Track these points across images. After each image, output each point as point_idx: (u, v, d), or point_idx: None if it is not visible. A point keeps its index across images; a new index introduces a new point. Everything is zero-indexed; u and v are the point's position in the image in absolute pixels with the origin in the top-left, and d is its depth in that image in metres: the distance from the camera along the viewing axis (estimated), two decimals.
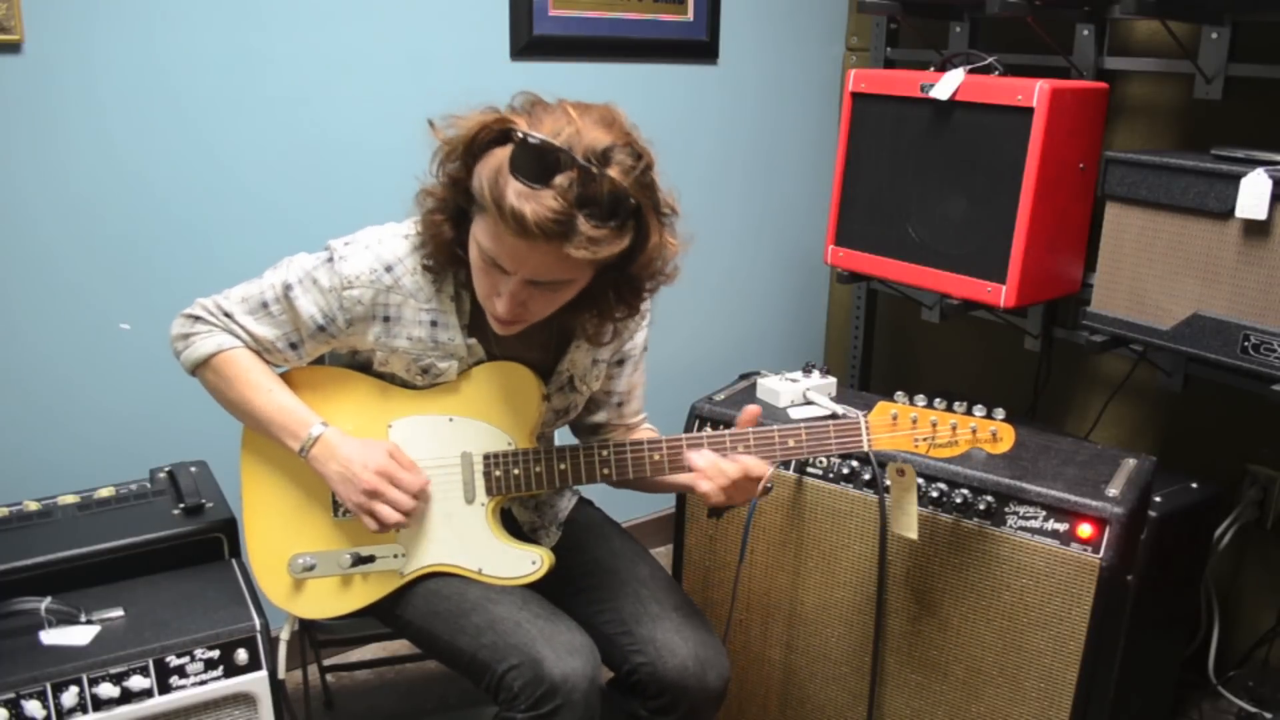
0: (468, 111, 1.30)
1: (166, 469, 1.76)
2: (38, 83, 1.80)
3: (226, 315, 1.47)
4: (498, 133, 1.25)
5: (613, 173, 1.22)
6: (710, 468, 1.40)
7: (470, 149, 1.27)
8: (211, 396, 1.51)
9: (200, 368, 1.49)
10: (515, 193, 1.20)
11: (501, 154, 1.23)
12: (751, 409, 1.47)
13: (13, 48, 1.76)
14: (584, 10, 2.38)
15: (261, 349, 1.48)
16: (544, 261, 1.25)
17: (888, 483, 1.71)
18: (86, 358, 1.95)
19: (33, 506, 1.64)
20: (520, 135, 1.21)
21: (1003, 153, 2.04)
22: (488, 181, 1.24)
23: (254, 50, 1.99)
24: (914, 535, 1.66)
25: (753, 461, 1.41)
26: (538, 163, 1.20)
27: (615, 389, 1.62)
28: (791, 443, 1.45)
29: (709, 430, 1.93)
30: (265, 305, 1.46)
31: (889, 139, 2.26)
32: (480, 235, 1.30)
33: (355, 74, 2.12)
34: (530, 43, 2.31)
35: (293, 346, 1.48)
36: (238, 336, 1.48)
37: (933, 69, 2.21)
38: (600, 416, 1.64)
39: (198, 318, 1.48)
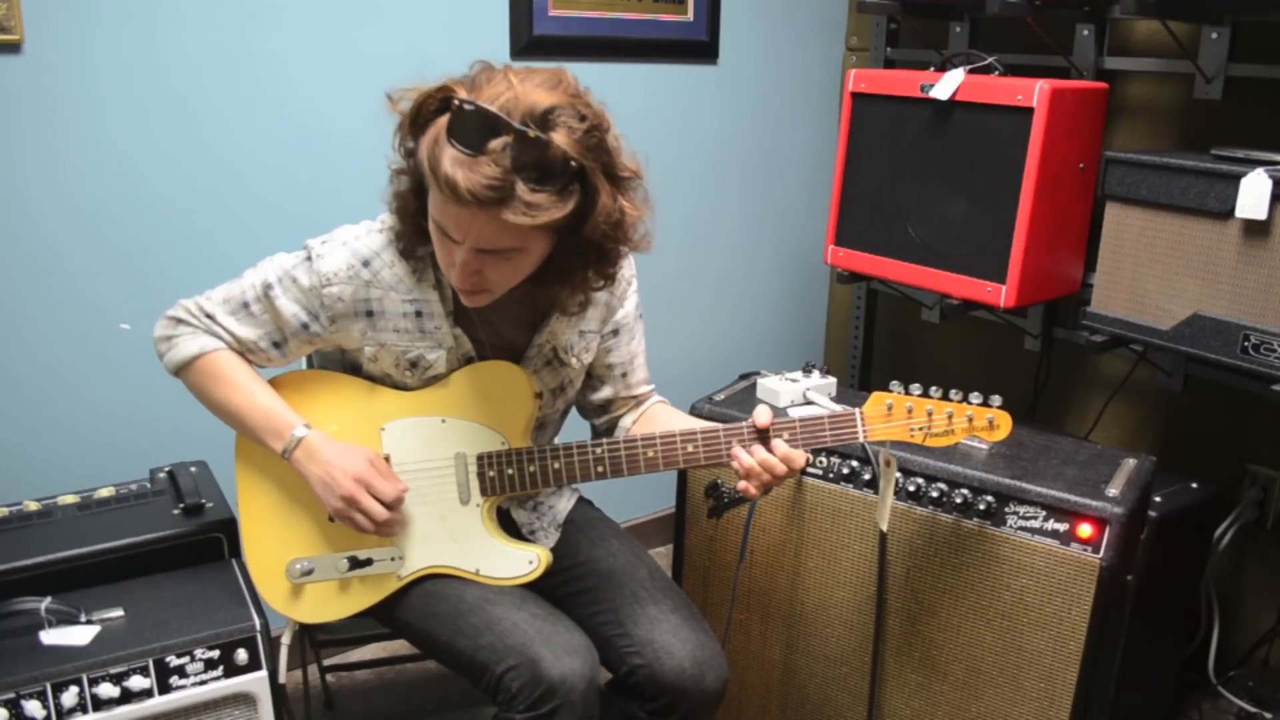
0: (420, 84, 1.29)
1: (166, 469, 1.77)
2: (38, 83, 1.80)
3: (209, 317, 1.48)
4: (440, 101, 1.25)
5: (555, 135, 1.21)
6: (751, 468, 1.41)
7: (416, 121, 1.27)
8: (195, 398, 1.51)
9: (183, 369, 1.49)
10: (450, 159, 1.20)
11: (442, 123, 1.23)
12: (763, 408, 1.47)
13: (13, 48, 1.76)
14: (584, 10, 2.38)
15: (244, 349, 1.49)
16: (487, 228, 1.25)
17: (881, 468, 1.71)
18: (86, 358, 1.95)
19: (33, 506, 1.64)
20: (457, 102, 1.21)
21: (1003, 153, 2.04)
22: (426, 150, 1.24)
23: (254, 50, 1.99)
24: (883, 526, 1.65)
25: (797, 454, 1.42)
26: (473, 129, 1.20)
27: (614, 360, 1.62)
28: (786, 436, 1.45)
29: None
30: (246, 305, 1.47)
31: (889, 139, 2.26)
32: (430, 206, 1.31)
33: (356, 74, 2.12)
34: (530, 43, 2.31)
35: (275, 345, 1.48)
36: (220, 338, 1.48)
37: (933, 69, 2.21)
38: (606, 391, 1.64)
39: (180, 319, 1.48)
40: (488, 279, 1.34)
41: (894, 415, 1.47)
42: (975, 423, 1.47)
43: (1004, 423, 1.48)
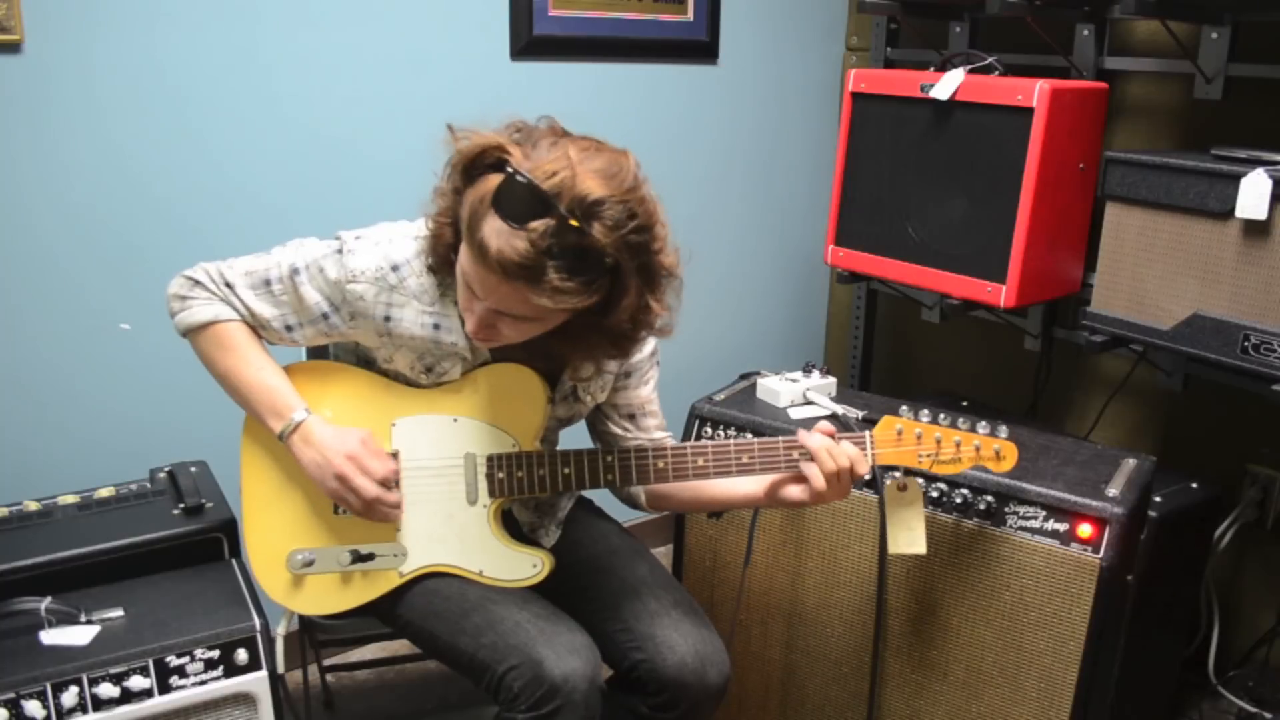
0: (484, 125, 1.28)
1: (166, 469, 1.76)
2: (38, 83, 1.80)
3: (228, 285, 1.47)
4: (496, 159, 1.23)
5: (595, 227, 1.19)
6: (820, 450, 1.41)
7: (468, 171, 1.26)
8: (200, 362, 1.50)
9: (193, 333, 1.48)
10: (491, 228, 1.20)
11: (493, 181, 1.21)
12: (825, 425, 1.48)
13: (13, 48, 1.76)
14: (584, 10, 2.38)
15: (258, 325, 1.48)
16: (511, 298, 1.25)
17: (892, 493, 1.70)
18: (86, 358, 1.95)
19: (33, 506, 1.64)
20: (510, 170, 1.20)
21: (1003, 153, 2.04)
22: (470, 207, 1.23)
23: (254, 50, 1.99)
24: (923, 550, 1.62)
25: (858, 456, 1.42)
26: (519, 203, 1.19)
27: (621, 402, 1.61)
28: (796, 454, 1.45)
29: (709, 432, 1.93)
30: (268, 283, 1.46)
31: (889, 139, 2.26)
32: (461, 254, 1.30)
33: (355, 74, 2.12)
34: (530, 43, 2.31)
35: (289, 329, 1.48)
36: (235, 309, 1.47)
37: (933, 69, 2.21)
38: (615, 429, 1.63)
39: (198, 282, 1.47)
40: (501, 332, 1.34)
41: (903, 441, 1.48)
42: (982, 452, 1.48)
43: (1010, 454, 1.49)
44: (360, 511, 1.45)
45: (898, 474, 1.61)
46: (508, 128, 1.28)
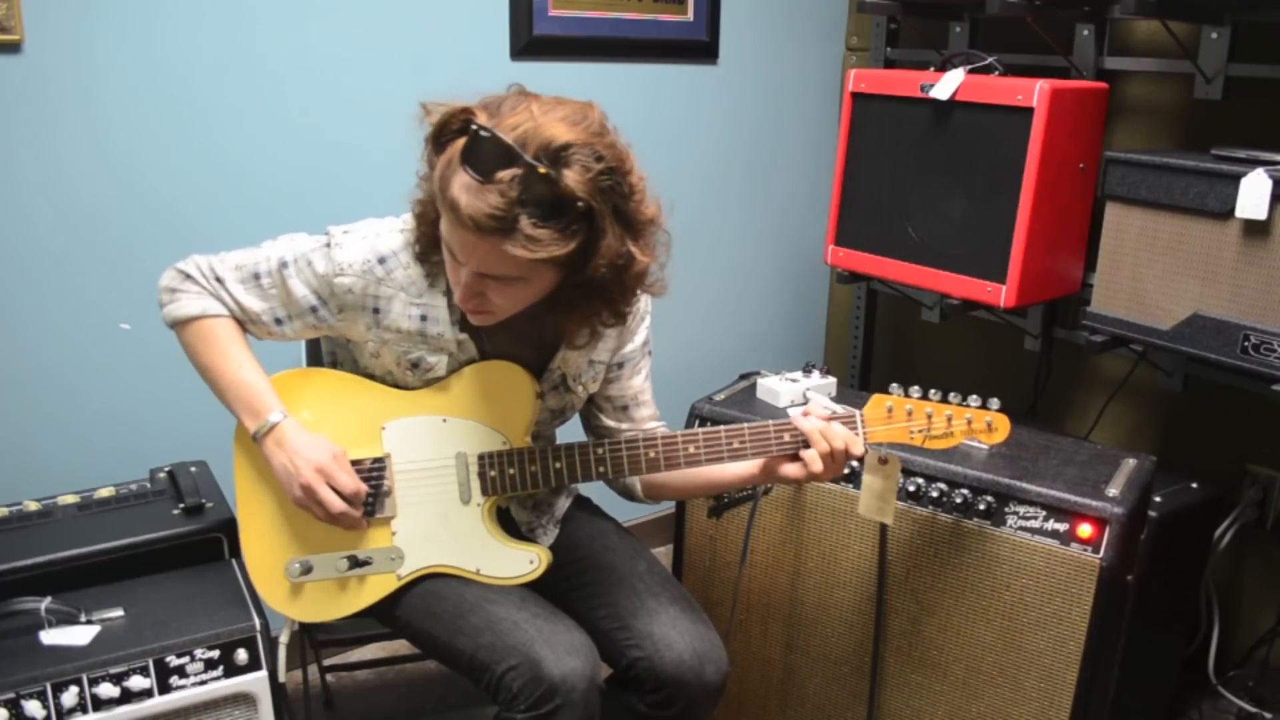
0: (455, 100, 1.29)
1: (166, 469, 1.77)
2: (38, 83, 1.80)
3: (218, 280, 1.48)
4: (461, 123, 1.24)
5: (565, 173, 1.20)
6: (814, 433, 1.42)
7: (438, 138, 1.27)
8: (184, 353, 1.51)
9: (180, 325, 1.49)
10: (460, 184, 1.21)
11: (460, 144, 1.23)
12: (816, 408, 1.48)
13: (13, 48, 1.76)
14: (584, 10, 2.38)
15: (247, 319, 1.49)
16: (489, 255, 1.25)
17: (856, 465, 1.70)
18: (86, 358, 1.95)
19: (33, 506, 1.64)
20: (474, 128, 1.21)
21: (1003, 153, 2.04)
22: (440, 169, 1.24)
23: (254, 50, 1.99)
24: (889, 520, 1.64)
25: (851, 437, 1.43)
26: (485, 156, 1.19)
27: (614, 393, 1.61)
28: (787, 437, 1.45)
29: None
30: (257, 277, 1.47)
31: (889, 139, 2.26)
32: (441, 223, 1.31)
33: (355, 74, 2.12)
34: (530, 43, 2.31)
35: (278, 322, 1.48)
36: (224, 304, 1.48)
37: (933, 69, 2.21)
38: (608, 421, 1.63)
39: (188, 275, 1.48)
40: (490, 302, 1.34)
41: (894, 417, 1.47)
42: (974, 425, 1.48)
43: (1002, 425, 1.48)
44: (325, 521, 1.45)
45: (882, 450, 1.61)
46: (480, 100, 1.29)
